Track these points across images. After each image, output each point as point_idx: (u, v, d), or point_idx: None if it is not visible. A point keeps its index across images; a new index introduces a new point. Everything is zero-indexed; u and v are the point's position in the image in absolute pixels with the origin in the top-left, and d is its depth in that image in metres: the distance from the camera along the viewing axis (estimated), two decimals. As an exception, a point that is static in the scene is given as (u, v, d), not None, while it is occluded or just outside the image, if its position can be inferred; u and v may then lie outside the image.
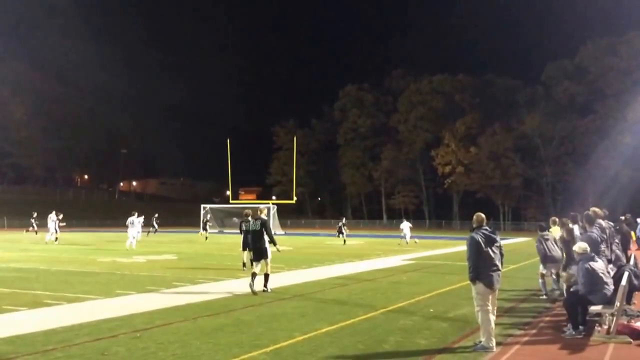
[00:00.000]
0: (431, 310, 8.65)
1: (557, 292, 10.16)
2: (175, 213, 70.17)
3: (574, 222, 9.65)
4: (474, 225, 6.53)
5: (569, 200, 54.36)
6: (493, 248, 6.36)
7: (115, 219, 41.97)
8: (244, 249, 13.34)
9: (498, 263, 6.38)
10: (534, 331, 7.33)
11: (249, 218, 10.89)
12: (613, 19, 63.00)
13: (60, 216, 28.07)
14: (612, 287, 7.03)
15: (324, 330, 7.09)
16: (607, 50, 58.98)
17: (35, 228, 33.55)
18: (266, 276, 10.48)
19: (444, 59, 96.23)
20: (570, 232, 9.01)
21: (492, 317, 6.30)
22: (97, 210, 45.30)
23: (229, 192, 51.98)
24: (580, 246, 7.41)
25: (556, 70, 63.23)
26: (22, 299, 9.21)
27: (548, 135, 61.66)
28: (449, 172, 68.22)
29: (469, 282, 6.51)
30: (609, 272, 7.40)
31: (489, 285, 6.28)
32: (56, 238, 26.81)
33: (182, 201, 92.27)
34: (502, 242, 6.72)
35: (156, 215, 37.99)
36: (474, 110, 69.45)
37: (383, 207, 78.16)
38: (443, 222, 69.59)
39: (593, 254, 7.33)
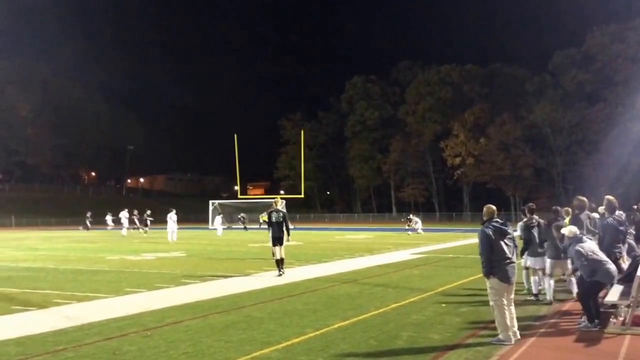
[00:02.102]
0: (443, 304, 8.53)
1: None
2: (183, 209, 70.36)
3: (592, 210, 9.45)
4: (485, 218, 6.41)
5: (580, 190, 53.69)
6: (505, 240, 6.24)
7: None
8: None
9: (511, 255, 6.26)
10: (549, 323, 7.22)
11: (273, 212, 12.62)
12: (620, 5, 62.20)
13: (148, 212, 33.87)
14: (611, 263, 6.93)
15: (335, 326, 7.01)
16: (614, 37, 58.29)
17: (139, 224, 36.07)
18: (282, 260, 12.38)
19: (451, 49, 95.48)
20: (531, 210, 8.88)
21: (507, 312, 6.19)
22: (105, 208, 45.50)
23: (237, 187, 52.00)
24: (570, 230, 7.23)
25: (564, 58, 62.65)
26: (31, 299, 9.21)
27: (557, 124, 61.17)
28: (458, 163, 67.84)
29: (481, 275, 6.42)
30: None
31: (505, 279, 6.17)
32: (145, 231, 31.73)
33: (190, 197, 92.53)
34: (515, 234, 6.61)
35: (242, 215, 39.66)
36: (482, 100, 68.99)
37: (392, 200, 77.90)
38: (453, 214, 69.25)
39: (581, 236, 7.16)
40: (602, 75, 59.46)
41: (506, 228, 6.29)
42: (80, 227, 42.06)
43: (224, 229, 35.95)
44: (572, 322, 7.16)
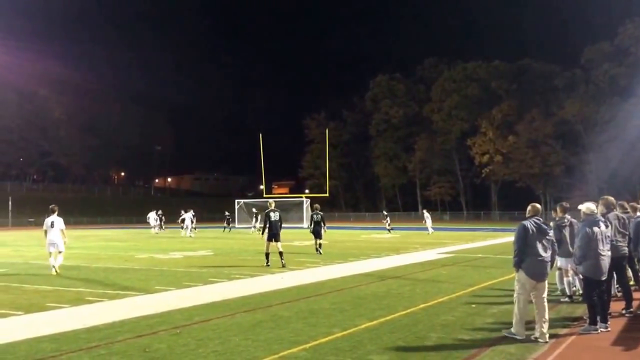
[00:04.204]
0: (473, 305, 8.39)
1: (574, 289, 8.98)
2: (210, 208, 71.20)
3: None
4: (528, 215, 6.41)
5: (615, 188, 52.29)
6: (544, 241, 6.20)
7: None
8: (315, 237, 17.96)
9: (545, 255, 6.16)
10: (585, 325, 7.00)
11: (273, 211, 14.37)
12: (654, -4, 60.19)
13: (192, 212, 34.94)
14: (607, 259, 6.59)
15: (363, 326, 6.96)
16: (648, 29, 56.56)
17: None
18: (281, 253, 13.97)
19: (477, 45, 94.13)
20: (564, 209, 8.65)
21: (526, 309, 6.20)
22: (134, 207, 46.45)
23: (262, 187, 52.32)
24: (588, 207, 6.86)
25: (595, 52, 61.01)
26: (64, 297, 9.39)
27: (589, 120, 59.58)
28: (486, 161, 66.78)
29: (512, 275, 6.43)
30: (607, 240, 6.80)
31: (532, 276, 6.16)
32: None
33: (216, 196, 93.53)
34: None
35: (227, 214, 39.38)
36: (511, 96, 67.71)
37: (418, 198, 77.21)
38: (481, 213, 68.19)
39: (598, 219, 6.76)
40: (635, 69, 57.60)
41: (546, 228, 6.27)
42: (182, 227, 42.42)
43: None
44: (611, 324, 6.93)
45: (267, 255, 14.01)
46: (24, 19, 70.93)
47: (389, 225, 33.94)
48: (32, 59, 68.20)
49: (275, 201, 14.97)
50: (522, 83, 68.91)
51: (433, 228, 32.40)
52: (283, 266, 13.54)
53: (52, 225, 12.74)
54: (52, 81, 72.87)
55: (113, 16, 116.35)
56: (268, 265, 13.73)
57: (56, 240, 12.67)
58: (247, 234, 33.22)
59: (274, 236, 14.00)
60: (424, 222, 32.50)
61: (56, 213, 12.93)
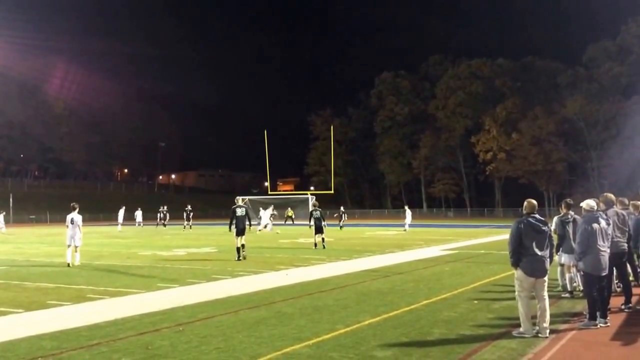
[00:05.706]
0: (475, 301, 8.39)
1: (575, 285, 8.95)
2: (214, 205, 71.29)
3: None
4: (524, 212, 6.39)
5: (616, 185, 52.16)
6: (538, 237, 6.18)
7: (155, 212, 43.01)
8: (316, 233, 18.57)
9: (540, 253, 6.17)
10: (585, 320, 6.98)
11: (239, 207, 15.03)
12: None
13: (189, 207, 37.12)
14: (607, 255, 6.61)
15: (366, 322, 6.95)
16: (650, 28, 56.45)
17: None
18: (242, 246, 14.70)
19: (482, 43, 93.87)
20: (568, 206, 8.65)
21: (528, 305, 6.21)
22: (137, 204, 46.44)
23: (267, 183, 52.34)
24: (588, 203, 6.90)
25: (598, 51, 61.06)
26: (66, 294, 9.39)
27: (592, 118, 59.60)
28: (490, 158, 66.76)
29: (513, 271, 6.47)
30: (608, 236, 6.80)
31: (530, 273, 6.19)
32: (190, 226, 35.44)
33: (221, 193, 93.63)
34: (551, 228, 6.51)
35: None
36: (514, 94, 67.67)
37: (423, 195, 77.18)
38: (485, 210, 68.15)
39: (598, 215, 6.78)
40: (638, 68, 57.65)
41: (540, 225, 6.22)
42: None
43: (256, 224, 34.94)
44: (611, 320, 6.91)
45: (238, 249, 14.59)
46: (27, 14, 71.20)
47: (342, 221, 35.54)
48: (34, 54, 68.34)
49: (243, 198, 15.56)
50: (526, 81, 68.92)
51: (410, 225, 32.12)
52: (244, 258, 14.46)
53: (71, 221, 13.91)
54: (54, 77, 72.87)
55: (114, 11, 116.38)
56: (239, 260, 14.35)
57: (75, 236, 13.79)
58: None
59: (240, 231, 14.62)
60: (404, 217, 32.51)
61: (77, 210, 14.12)
